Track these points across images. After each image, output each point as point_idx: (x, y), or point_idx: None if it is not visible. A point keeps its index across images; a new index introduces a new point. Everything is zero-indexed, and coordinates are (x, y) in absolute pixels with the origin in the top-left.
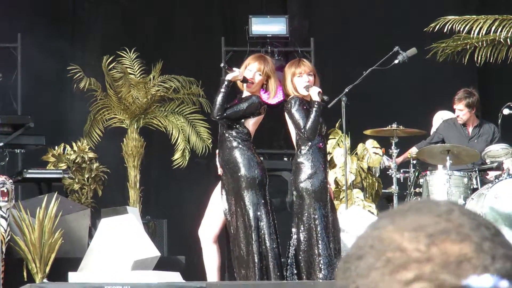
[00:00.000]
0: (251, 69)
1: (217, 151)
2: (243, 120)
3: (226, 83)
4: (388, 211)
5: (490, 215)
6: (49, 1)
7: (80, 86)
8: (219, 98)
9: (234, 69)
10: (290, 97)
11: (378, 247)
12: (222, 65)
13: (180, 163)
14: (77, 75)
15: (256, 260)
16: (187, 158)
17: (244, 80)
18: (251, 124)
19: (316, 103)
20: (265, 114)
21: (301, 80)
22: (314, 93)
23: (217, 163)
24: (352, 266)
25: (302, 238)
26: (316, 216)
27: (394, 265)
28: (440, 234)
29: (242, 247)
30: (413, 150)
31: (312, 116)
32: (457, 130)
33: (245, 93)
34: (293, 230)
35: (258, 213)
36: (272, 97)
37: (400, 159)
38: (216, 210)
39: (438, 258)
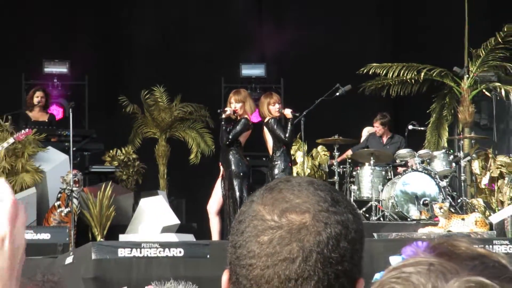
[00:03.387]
0: (232, 102)
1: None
2: None
3: (223, 121)
4: (264, 186)
5: (400, 196)
6: (109, 49)
7: (126, 110)
8: (223, 131)
9: (226, 109)
10: (268, 118)
11: (250, 216)
12: (219, 111)
13: (194, 161)
14: (124, 102)
15: None
16: (199, 158)
17: (233, 112)
18: (242, 136)
19: (290, 119)
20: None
21: (274, 107)
22: (288, 113)
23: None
24: (236, 227)
25: None
26: None
27: (257, 230)
28: (289, 208)
29: (231, 218)
30: (349, 152)
31: (289, 128)
32: (376, 140)
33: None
34: None
35: (243, 195)
36: (251, 114)
37: (340, 158)
38: (218, 193)
39: (286, 226)
